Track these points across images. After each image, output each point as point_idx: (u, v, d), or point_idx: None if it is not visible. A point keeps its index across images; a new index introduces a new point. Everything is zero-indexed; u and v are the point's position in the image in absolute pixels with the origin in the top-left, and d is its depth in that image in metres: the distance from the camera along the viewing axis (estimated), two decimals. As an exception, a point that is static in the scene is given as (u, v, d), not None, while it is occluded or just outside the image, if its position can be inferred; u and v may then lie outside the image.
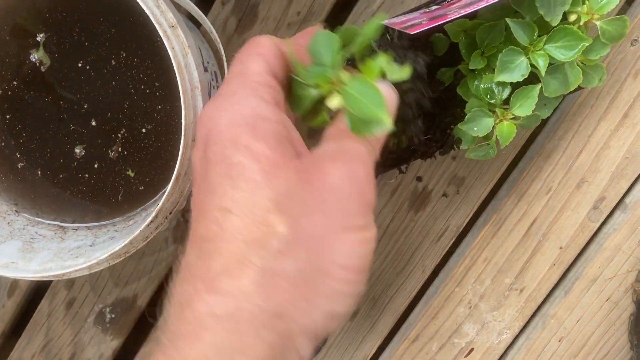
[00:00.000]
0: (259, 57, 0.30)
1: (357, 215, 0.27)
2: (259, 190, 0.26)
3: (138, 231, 0.39)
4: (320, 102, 0.31)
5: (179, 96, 0.47)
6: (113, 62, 0.47)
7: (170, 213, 0.40)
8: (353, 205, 0.27)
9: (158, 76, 0.47)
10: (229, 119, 0.27)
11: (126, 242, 0.39)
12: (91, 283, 0.62)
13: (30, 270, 0.41)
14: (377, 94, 0.28)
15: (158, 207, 0.39)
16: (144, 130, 0.49)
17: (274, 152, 0.26)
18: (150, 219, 0.39)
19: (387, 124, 0.28)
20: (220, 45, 0.44)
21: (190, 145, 0.39)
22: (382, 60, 0.30)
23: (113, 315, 0.62)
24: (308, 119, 0.32)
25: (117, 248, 0.39)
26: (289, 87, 0.32)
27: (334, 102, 0.30)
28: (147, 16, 0.37)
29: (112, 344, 0.63)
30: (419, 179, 0.58)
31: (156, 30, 0.37)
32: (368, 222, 0.28)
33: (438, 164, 0.58)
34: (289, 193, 0.26)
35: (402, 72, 0.30)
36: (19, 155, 0.50)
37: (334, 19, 0.57)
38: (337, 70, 0.30)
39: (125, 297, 0.62)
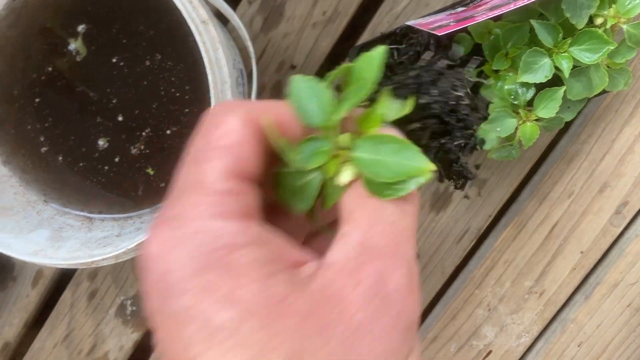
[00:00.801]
0: (220, 153, 0.22)
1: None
2: (259, 357, 0.19)
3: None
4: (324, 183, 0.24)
5: (208, 98, 0.48)
6: (147, 63, 0.48)
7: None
8: (403, 351, 0.21)
9: (189, 80, 0.48)
10: (189, 259, 0.20)
11: (153, 232, 0.40)
12: (113, 275, 0.63)
13: (59, 257, 0.42)
14: (402, 145, 0.23)
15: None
16: (168, 132, 0.50)
17: (265, 297, 0.19)
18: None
19: (430, 172, 0.22)
20: (249, 42, 0.45)
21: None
22: (382, 104, 0.24)
23: (134, 308, 0.63)
24: (311, 213, 0.25)
25: (145, 238, 0.40)
26: (277, 176, 0.24)
27: (345, 177, 0.23)
28: (181, 14, 0.38)
29: (132, 336, 0.64)
30: (441, 179, 0.58)
31: (189, 30, 0.38)
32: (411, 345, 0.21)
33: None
34: (299, 351, 0.19)
35: (403, 109, 0.25)
36: (42, 139, 0.51)
37: (359, 20, 0.58)
38: (334, 134, 0.23)
39: (146, 291, 0.63)
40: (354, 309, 0.20)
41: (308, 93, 0.24)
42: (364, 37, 0.57)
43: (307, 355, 0.19)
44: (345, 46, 0.58)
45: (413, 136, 0.31)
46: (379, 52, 0.24)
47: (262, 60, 0.58)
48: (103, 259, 0.41)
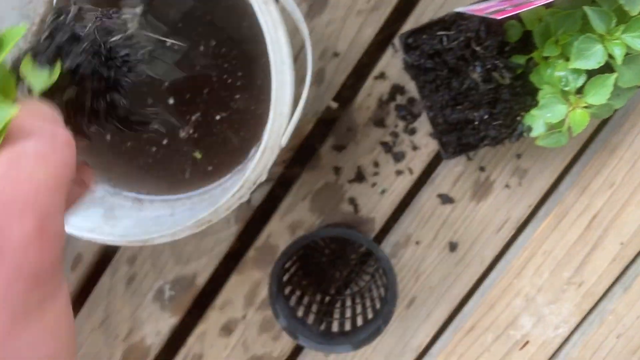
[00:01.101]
0: None
1: None
2: None
3: (224, 200, 0.40)
4: None
5: (259, 86, 0.48)
6: (202, 48, 0.48)
7: (253, 184, 0.41)
8: None
9: (242, 67, 0.49)
10: None
11: (212, 210, 0.40)
12: (152, 260, 0.63)
13: (116, 234, 0.42)
14: None
15: (245, 177, 0.40)
16: (217, 117, 0.50)
17: None
18: (236, 188, 0.40)
19: None
20: (303, 23, 0.45)
21: (277, 119, 0.40)
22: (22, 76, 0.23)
23: (172, 293, 0.63)
24: None
25: (203, 215, 0.40)
26: None
27: None
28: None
29: (169, 321, 0.65)
30: (482, 169, 0.58)
31: (245, 16, 0.38)
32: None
33: (502, 155, 0.58)
34: None
35: (48, 78, 0.24)
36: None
37: (402, 9, 0.58)
38: None
39: (185, 275, 0.63)
40: None
41: None
42: (408, 25, 0.57)
43: None
44: (388, 34, 0.58)
45: (75, 104, 0.31)
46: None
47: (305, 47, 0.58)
48: (160, 236, 0.41)
